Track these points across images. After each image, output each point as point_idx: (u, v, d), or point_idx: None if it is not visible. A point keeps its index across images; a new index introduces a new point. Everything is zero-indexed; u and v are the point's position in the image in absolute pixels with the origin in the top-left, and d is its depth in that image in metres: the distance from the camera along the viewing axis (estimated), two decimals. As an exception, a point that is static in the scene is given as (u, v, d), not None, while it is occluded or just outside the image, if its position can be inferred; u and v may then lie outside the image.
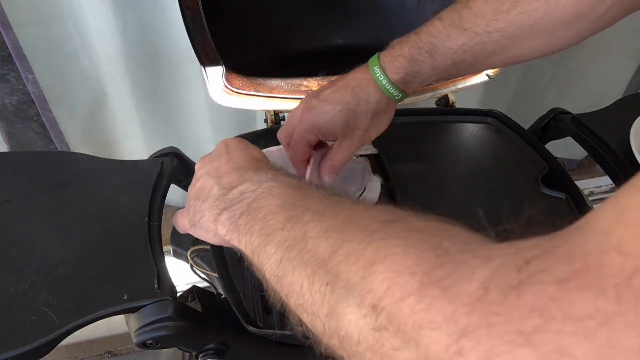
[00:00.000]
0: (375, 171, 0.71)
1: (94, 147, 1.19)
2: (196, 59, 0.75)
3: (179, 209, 0.54)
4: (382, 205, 0.37)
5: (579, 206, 0.68)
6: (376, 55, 0.58)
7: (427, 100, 0.87)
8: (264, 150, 0.75)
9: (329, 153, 0.59)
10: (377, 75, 0.56)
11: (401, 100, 0.58)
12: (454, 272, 0.25)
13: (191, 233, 0.49)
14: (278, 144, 0.77)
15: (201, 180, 0.48)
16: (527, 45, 0.54)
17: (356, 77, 0.58)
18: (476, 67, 0.58)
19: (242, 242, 0.40)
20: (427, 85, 0.62)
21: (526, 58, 0.57)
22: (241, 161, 0.47)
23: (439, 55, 0.55)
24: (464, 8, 0.55)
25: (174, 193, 0.69)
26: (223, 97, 0.79)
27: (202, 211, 0.45)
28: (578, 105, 0.86)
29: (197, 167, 0.50)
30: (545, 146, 0.77)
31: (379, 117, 0.58)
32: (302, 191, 0.41)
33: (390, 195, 0.68)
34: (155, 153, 0.72)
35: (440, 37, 0.55)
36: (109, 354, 1.32)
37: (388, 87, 0.56)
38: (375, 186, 0.69)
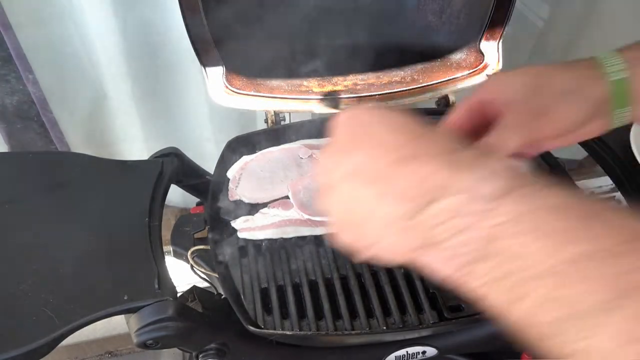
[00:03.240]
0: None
1: (94, 147, 1.19)
2: (196, 59, 0.75)
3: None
4: None
5: (579, 206, 0.68)
6: None
7: (427, 101, 0.87)
8: (264, 151, 0.75)
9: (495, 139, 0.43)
10: (601, 54, 0.44)
11: (617, 77, 0.43)
12: None
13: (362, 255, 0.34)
14: (278, 144, 0.77)
15: (342, 189, 0.31)
16: None
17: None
18: None
19: (489, 297, 0.26)
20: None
21: None
22: (410, 143, 0.29)
23: None
24: None
25: (174, 193, 0.69)
26: (223, 97, 0.79)
27: (372, 237, 0.31)
28: (578, 105, 0.86)
29: (322, 167, 0.33)
30: (545, 146, 0.77)
31: (570, 96, 0.43)
32: (592, 221, 0.24)
33: None
34: (155, 153, 0.72)
35: None
36: (109, 354, 1.32)
37: (604, 56, 0.43)
38: None
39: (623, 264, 0.22)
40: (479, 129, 0.45)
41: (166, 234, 0.62)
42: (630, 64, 0.42)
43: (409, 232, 0.28)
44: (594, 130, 0.45)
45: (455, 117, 0.46)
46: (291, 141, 0.77)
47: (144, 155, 0.72)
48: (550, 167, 0.73)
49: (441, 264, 0.28)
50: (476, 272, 0.26)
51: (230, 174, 0.72)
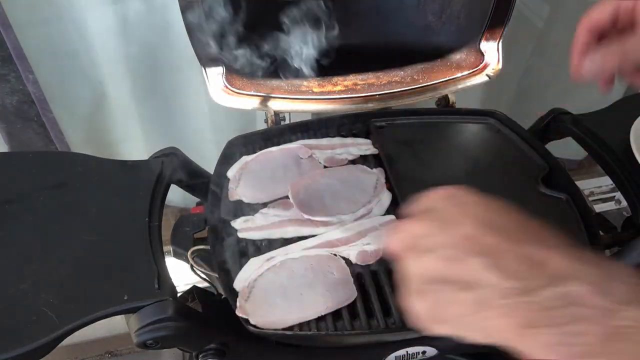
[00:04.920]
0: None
1: (94, 147, 1.19)
2: (196, 59, 0.75)
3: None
4: None
5: (579, 206, 0.68)
6: None
7: (427, 100, 0.87)
8: (264, 151, 0.75)
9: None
10: None
11: None
12: None
13: (430, 326, 0.33)
14: (278, 144, 0.77)
15: (442, 252, 0.31)
16: None
17: None
18: None
19: None
20: None
21: None
22: (518, 231, 0.31)
23: None
24: None
25: (174, 193, 0.69)
26: (223, 97, 0.79)
27: (462, 307, 0.30)
28: (578, 105, 0.86)
29: (418, 229, 0.33)
30: (545, 146, 0.77)
31: None
32: None
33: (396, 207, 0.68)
34: (155, 153, 0.72)
35: None
36: (109, 354, 1.32)
37: None
38: (384, 200, 0.68)
39: None
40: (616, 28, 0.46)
41: (166, 234, 0.62)
42: None
43: (514, 308, 0.28)
44: None
45: (597, 15, 0.46)
46: (291, 141, 0.77)
47: (144, 155, 0.72)
48: (550, 167, 0.73)
49: (542, 348, 0.27)
50: None
51: (230, 174, 0.72)
